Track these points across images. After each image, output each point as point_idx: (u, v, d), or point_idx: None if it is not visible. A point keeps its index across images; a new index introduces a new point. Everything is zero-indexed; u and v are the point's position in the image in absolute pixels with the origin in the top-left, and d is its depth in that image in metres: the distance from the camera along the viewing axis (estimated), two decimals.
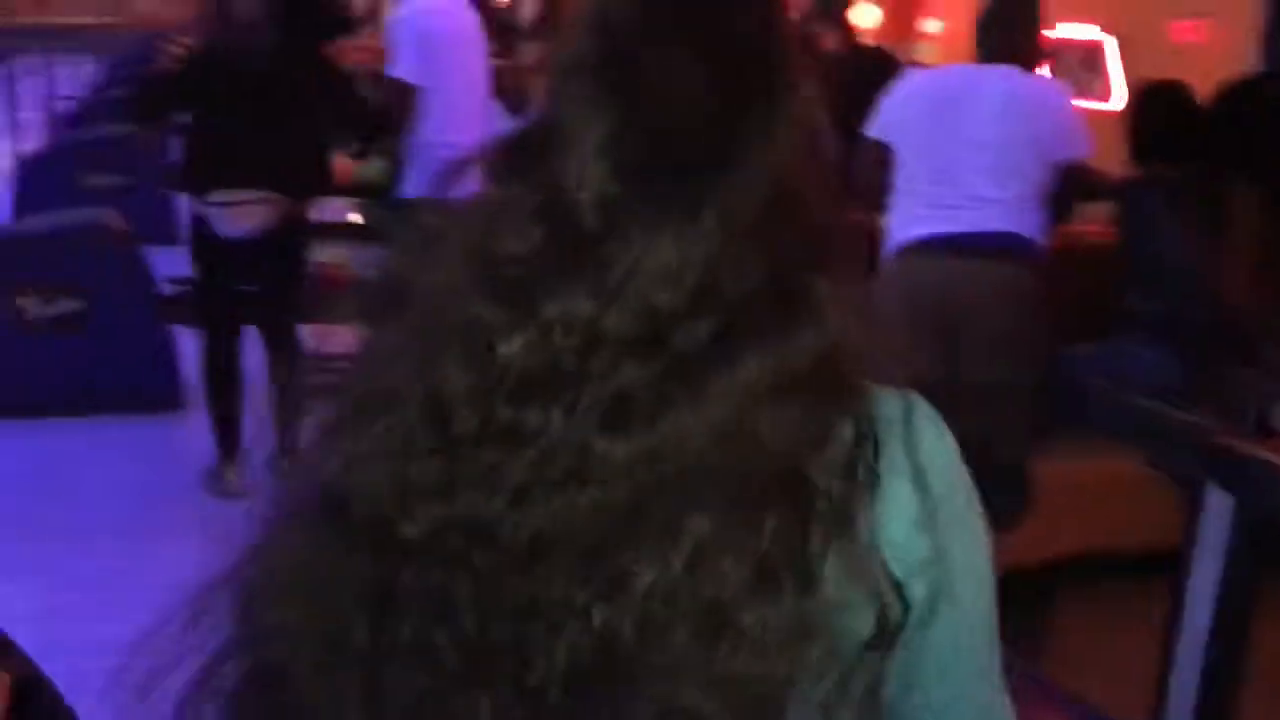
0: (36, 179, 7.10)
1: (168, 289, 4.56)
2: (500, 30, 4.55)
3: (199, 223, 3.66)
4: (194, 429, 4.43)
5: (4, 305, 4.15)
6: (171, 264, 4.61)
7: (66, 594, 3.15)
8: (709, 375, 0.69)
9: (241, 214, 3.62)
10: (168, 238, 5.86)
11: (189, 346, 4.69)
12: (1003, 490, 3.07)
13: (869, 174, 3.48)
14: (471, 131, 3.84)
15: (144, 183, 6.66)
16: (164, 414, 4.35)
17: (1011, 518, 3.07)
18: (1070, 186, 3.44)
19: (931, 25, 12.68)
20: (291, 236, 3.77)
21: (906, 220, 3.32)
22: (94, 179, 7.08)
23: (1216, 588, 1.99)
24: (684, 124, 0.70)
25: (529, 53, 5.76)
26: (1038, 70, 3.46)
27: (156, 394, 4.34)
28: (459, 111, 3.85)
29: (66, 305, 4.20)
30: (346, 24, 4.17)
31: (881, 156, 3.38)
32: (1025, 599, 3.12)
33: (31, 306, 4.17)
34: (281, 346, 3.86)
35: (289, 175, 3.69)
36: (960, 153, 3.22)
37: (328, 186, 4.01)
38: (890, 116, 3.37)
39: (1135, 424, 2.18)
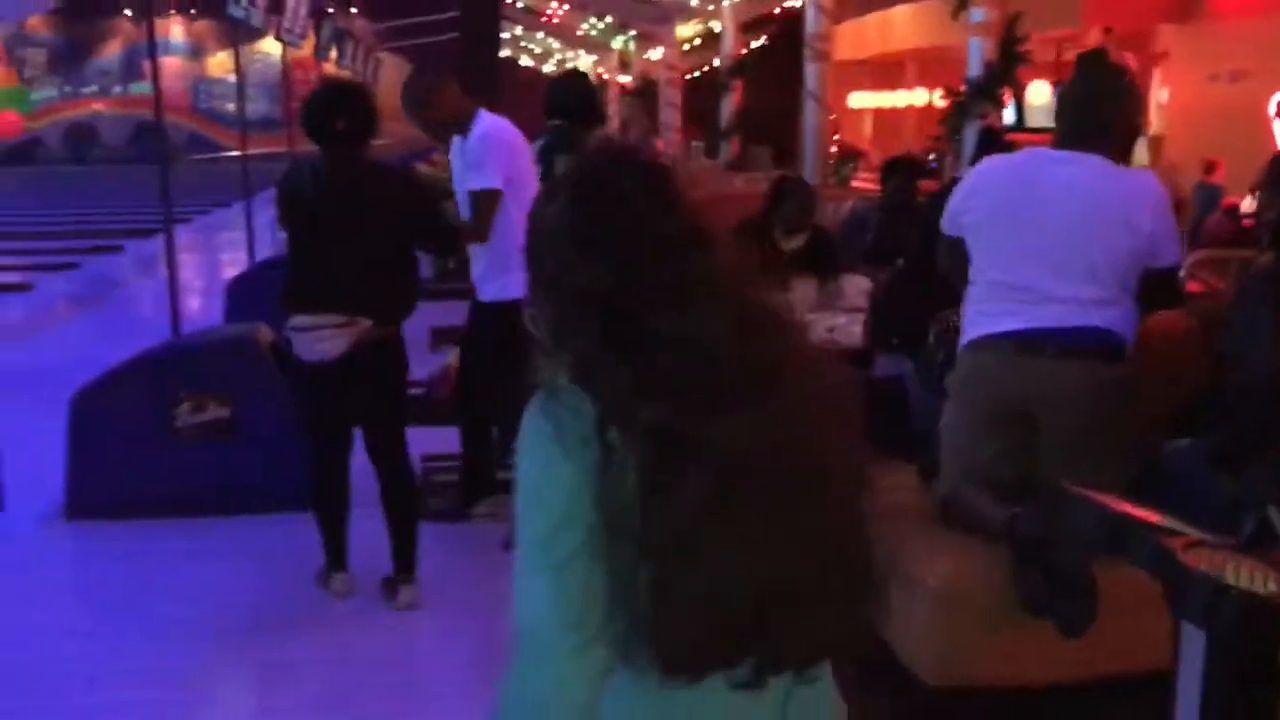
0: (244, 293, 7.74)
1: None
2: None
3: (288, 344, 3.77)
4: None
5: (159, 413, 4.55)
6: None
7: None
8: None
9: (319, 339, 3.64)
10: None
11: None
12: (1072, 596, 2.86)
13: (947, 272, 3.36)
14: None
15: None
16: (305, 513, 4.62)
17: (1080, 625, 2.85)
18: (1157, 294, 3.20)
19: (1160, 94, 12.01)
20: (380, 358, 3.74)
21: (977, 315, 3.17)
22: None
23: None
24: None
25: None
26: (1127, 161, 3.19)
27: (297, 494, 4.60)
28: None
29: (215, 413, 4.56)
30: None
31: (956, 252, 3.25)
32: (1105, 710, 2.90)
33: (182, 414, 4.55)
34: (383, 459, 3.89)
35: (369, 298, 3.67)
36: (1032, 246, 3.04)
37: (413, 305, 3.89)
38: (960, 208, 3.23)
39: (1104, 531, 1.99)
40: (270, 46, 14.04)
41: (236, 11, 8.84)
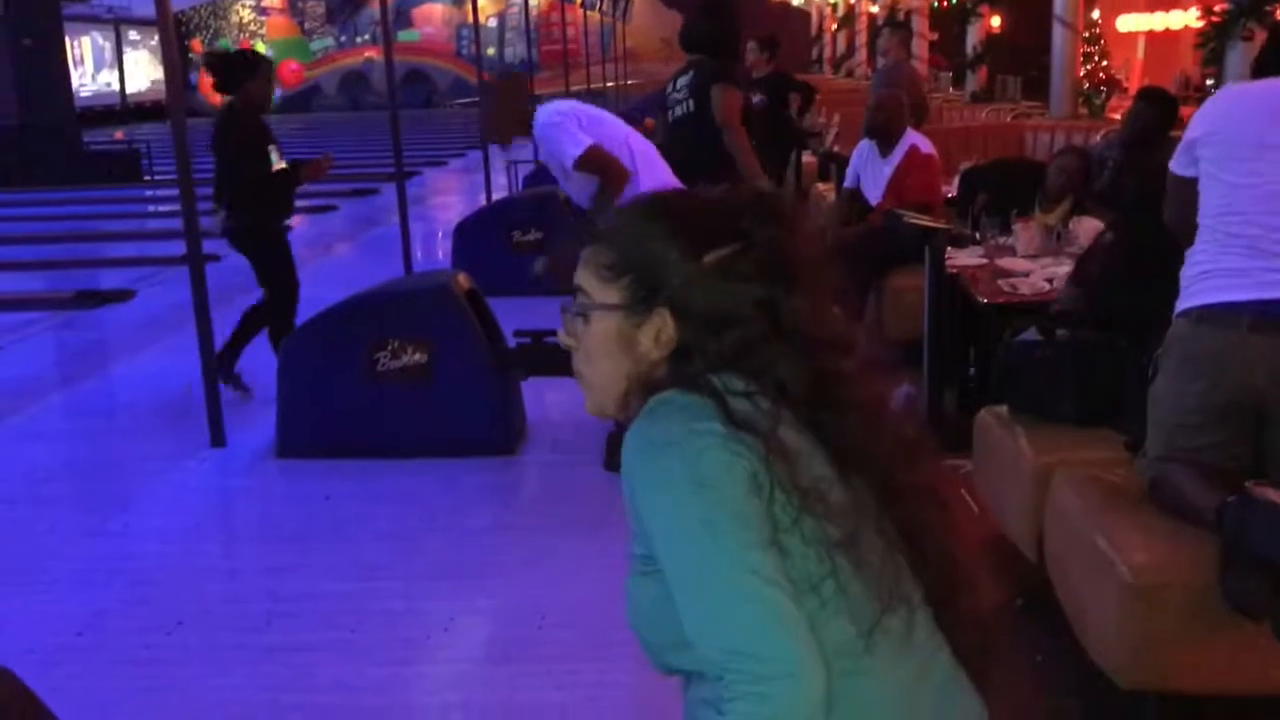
0: (472, 236, 7.96)
1: (512, 341, 4.84)
2: None
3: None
4: (522, 472, 4.72)
5: (362, 358, 4.66)
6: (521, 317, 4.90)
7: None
8: None
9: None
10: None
11: (530, 394, 5.00)
12: None
13: (1173, 223, 2.93)
14: None
15: (560, 238, 7.23)
16: (497, 458, 4.67)
17: None
18: None
19: None
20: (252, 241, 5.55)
21: (1203, 276, 2.72)
22: (520, 235, 7.81)
23: None
24: None
25: None
26: None
27: (489, 440, 4.65)
28: None
29: (413, 358, 4.63)
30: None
31: (1186, 197, 2.82)
32: None
33: (383, 359, 4.64)
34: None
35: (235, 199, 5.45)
36: None
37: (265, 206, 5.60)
38: (1195, 140, 2.78)
39: None
40: None
41: None
